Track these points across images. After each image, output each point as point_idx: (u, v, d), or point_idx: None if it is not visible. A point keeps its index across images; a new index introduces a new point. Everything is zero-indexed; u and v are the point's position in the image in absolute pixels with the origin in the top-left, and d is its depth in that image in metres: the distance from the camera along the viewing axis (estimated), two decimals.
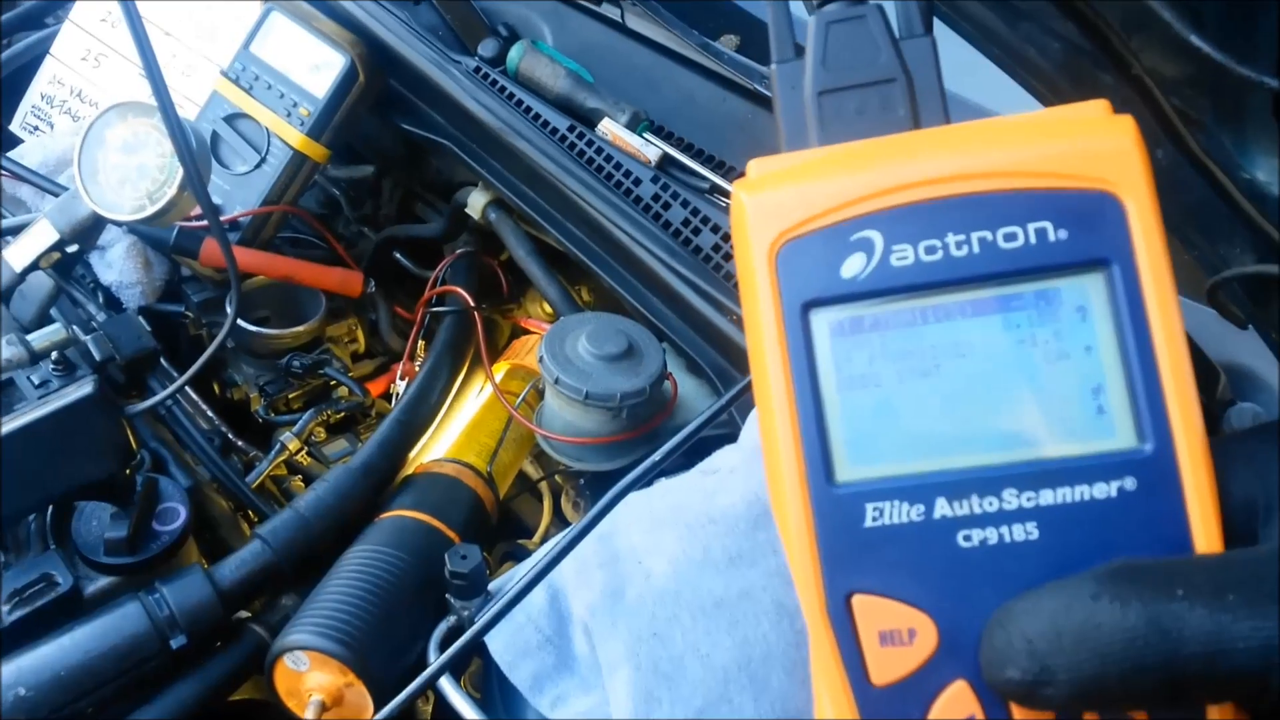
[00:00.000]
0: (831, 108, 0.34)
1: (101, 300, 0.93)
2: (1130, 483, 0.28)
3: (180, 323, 0.98)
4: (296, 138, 0.96)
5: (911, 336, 0.30)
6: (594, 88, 0.93)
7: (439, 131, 0.99)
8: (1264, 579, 0.24)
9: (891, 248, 0.30)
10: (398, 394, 0.96)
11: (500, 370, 0.97)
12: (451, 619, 0.64)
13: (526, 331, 1.05)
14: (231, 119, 0.98)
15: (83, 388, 0.66)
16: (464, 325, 0.98)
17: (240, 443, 0.90)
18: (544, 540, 0.89)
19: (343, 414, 0.97)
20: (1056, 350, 0.29)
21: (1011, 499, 0.29)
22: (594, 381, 0.77)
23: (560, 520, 0.92)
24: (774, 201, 0.31)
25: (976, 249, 0.29)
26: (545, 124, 0.91)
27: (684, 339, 0.82)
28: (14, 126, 1.16)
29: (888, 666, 0.29)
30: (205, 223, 0.90)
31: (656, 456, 0.52)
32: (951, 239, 0.29)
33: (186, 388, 0.87)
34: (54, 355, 0.77)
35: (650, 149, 0.86)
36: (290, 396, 0.97)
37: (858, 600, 0.29)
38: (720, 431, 0.72)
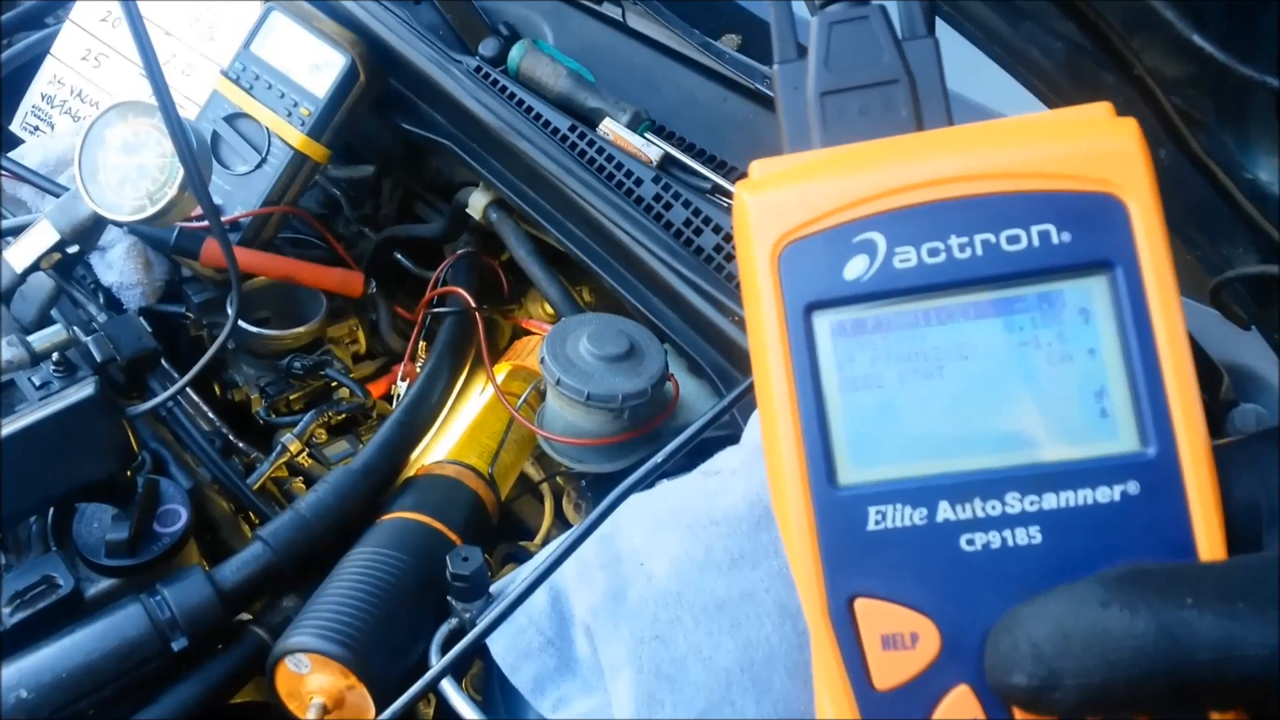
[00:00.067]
0: (834, 109, 0.34)
1: (102, 301, 0.93)
2: (1133, 486, 0.28)
3: (181, 323, 0.98)
4: (297, 138, 0.96)
5: (914, 339, 0.30)
6: (595, 87, 0.93)
7: (440, 131, 0.99)
8: (1271, 585, 0.24)
9: (894, 249, 0.30)
10: (399, 395, 0.96)
11: (501, 371, 0.97)
12: (453, 621, 0.64)
13: (527, 332, 1.05)
14: (232, 119, 0.98)
15: (84, 389, 0.66)
16: (465, 326, 0.98)
17: (241, 444, 0.90)
18: (545, 542, 0.89)
19: (344, 415, 0.97)
20: (1059, 353, 0.29)
21: (1014, 502, 0.28)
22: (595, 382, 0.77)
23: (562, 522, 0.92)
24: (777, 203, 0.31)
25: (979, 251, 0.29)
26: (546, 124, 0.91)
27: (685, 340, 0.82)
28: (14, 127, 1.16)
29: (890, 670, 0.29)
30: (206, 223, 0.90)
31: (658, 458, 0.52)
32: (954, 241, 0.29)
33: (187, 389, 0.87)
34: (55, 356, 0.77)
35: (651, 149, 0.86)
36: (291, 398, 0.97)
37: (860, 604, 0.29)
38: (722, 433, 0.71)
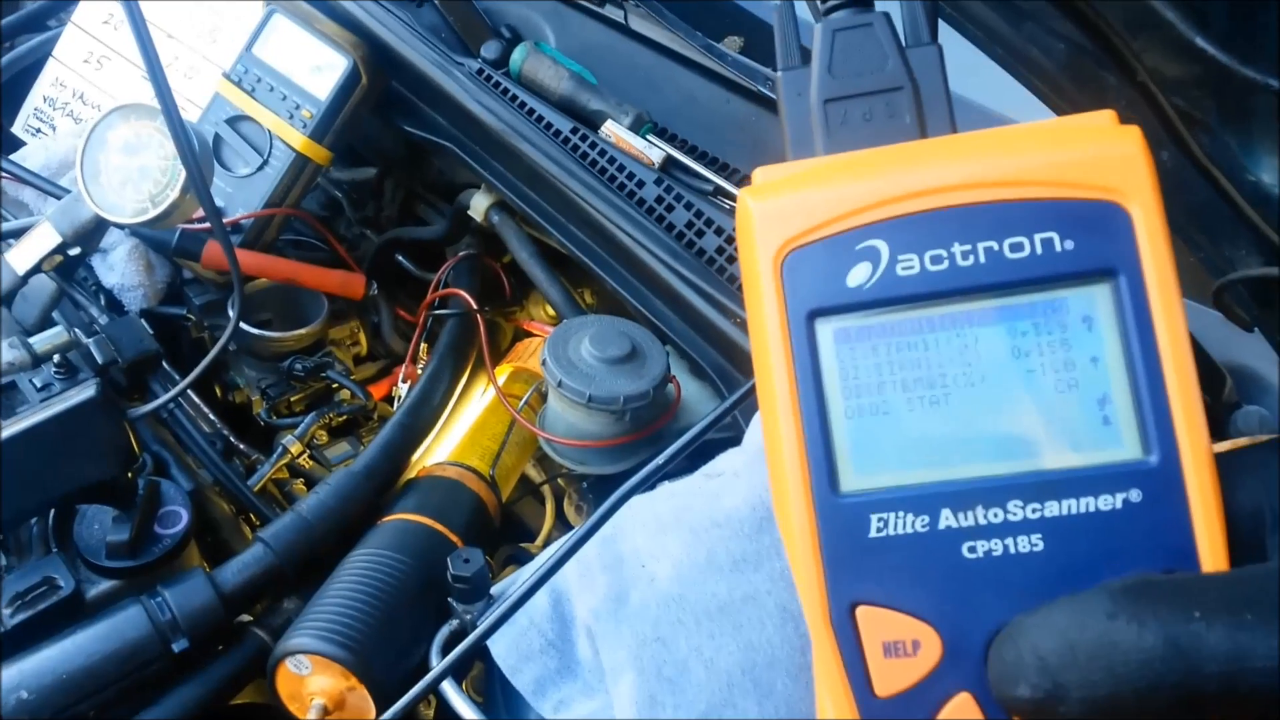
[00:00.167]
0: (837, 115, 0.34)
1: (103, 303, 0.93)
2: (1135, 494, 0.28)
3: (182, 325, 0.98)
4: (299, 140, 0.96)
5: (916, 346, 0.30)
6: (597, 89, 0.93)
7: (441, 133, 0.99)
8: (1277, 596, 0.24)
9: (897, 257, 0.29)
10: (400, 397, 0.96)
11: (503, 373, 0.97)
12: (454, 623, 0.64)
13: (529, 334, 1.05)
14: (234, 121, 0.98)
15: (85, 391, 0.66)
16: (466, 328, 0.98)
17: (242, 446, 0.90)
18: (547, 544, 0.89)
19: (345, 417, 0.97)
20: (1062, 360, 0.29)
21: (1016, 510, 0.28)
22: (597, 384, 0.77)
23: (563, 524, 0.92)
24: (780, 210, 0.31)
25: (982, 259, 0.29)
26: (548, 126, 0.91)
27: (687, 341, 0.82)
28: (16, 129, 1.16)
29: (892, 678, 0.29)
30: (207, 225, 0.90)
31: (660, 460, 0.52)
32: (957, 249, 0.29)
33: (189, 391, 0.87)
34: (56, 358, 0.77)
35: (653, 151, 0.86)
36: (292, 399, 0.97)
37: (862, 611, 0.29)
38: (724, 435, 0.71)
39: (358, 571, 0.69)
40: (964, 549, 0.29)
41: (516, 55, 0.95)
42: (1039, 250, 0.29)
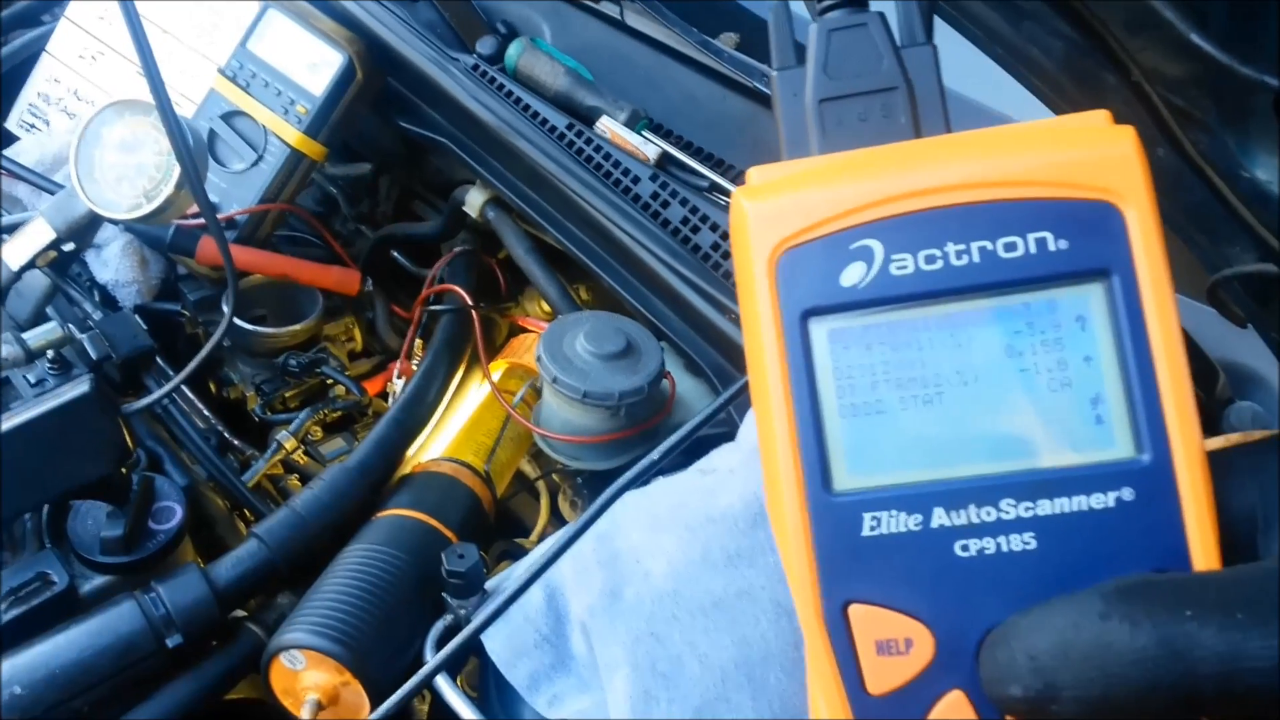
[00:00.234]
0: (833, 115, 0.34)
1: (98, 299, 0.93)
2: (1128, 493, 0.28)
3: (177, 321, 0.98)
4: (294, 136, 0.96)
5: (910, 346, 0.30)
6: (593, 86, 0.93)
7: (437, 129, 0.99)
8: (1272, 595, 0.24)
9: (891, 257, 0.30)
10: (395, 393, 0.96)
11: (498, 369, 0.97)
12: (448, 618, 0.64)
13: (524, 330, 1.05)
14: (229, 117, 0.98)
15: (79, 386, 0.66)
16: (462, 324, 0.98)
17: (237, 442, 0.90)
18: (542, 539, 0.89)
19: (340, 413, 0.97)
20: (1055, 360, 0.29)
21: (1009, 509, 0.28)
22: (592, 380, 0.77)
23: (558, 519, 0.92)
24: (774, 209, 0.31)
25: (976, 258, 0.29)
26: (544, 122, 0.91)
27: (682, 338, 0.82)
28: (10, 124, 1.16)
29: (884, 676, 0.29)
30: (202, 221, 0.90)
31: (654, 455, 0.52)
32: (951, 248, 0.29)
33: (183, 386, 0.87)
34: (50, 354, 0.77)
35: (649, 147, 0.86)
36: (287, 395, 0.97)
37: (854, 609, 0.29)
38: (719, 430, 0.72)
39: (352, 567, 0.69)
40: (956, 548, 0.29)
41: (512, 51, 0.95)
42: (1033, 250, 0.29)
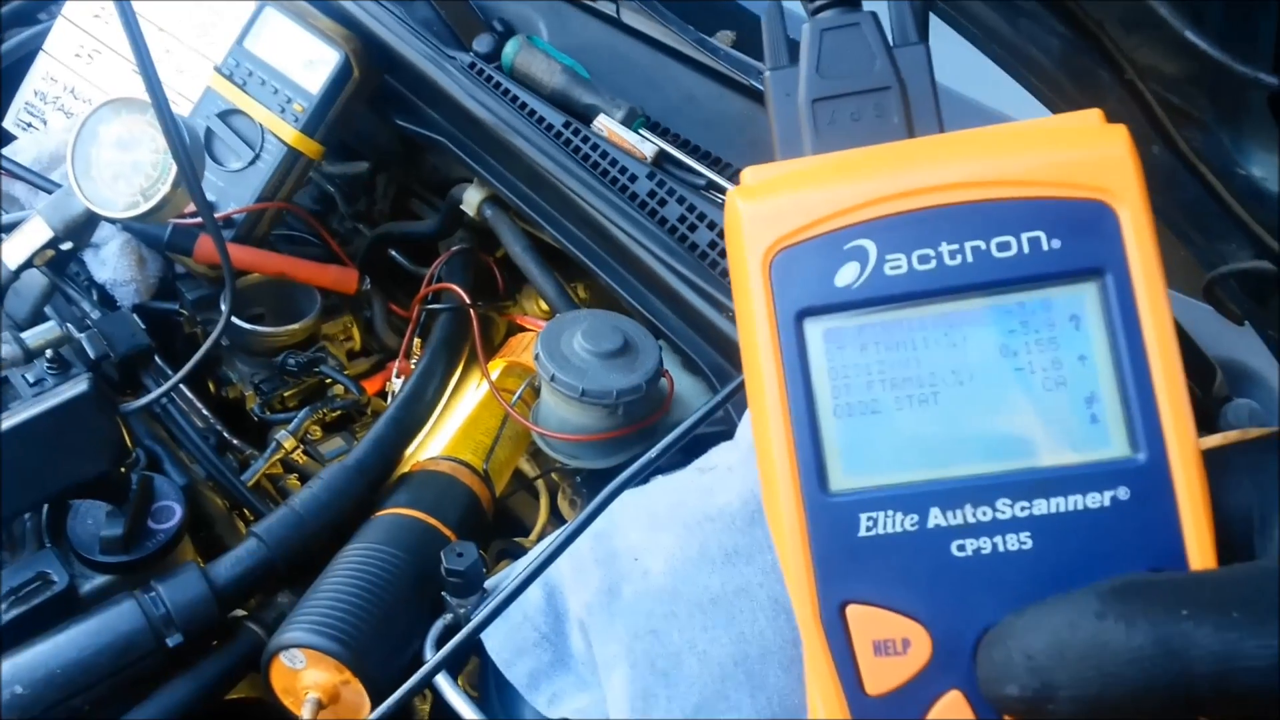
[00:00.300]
0: (826, 115, 0.34)
1: (96, 298, 0.93)
2: (1123, 492, 0.28)
3: (175, 320, 0.98)
4: (291, 134, 0.96)
5: (905, 345, 0.30)
6: (590, 84, 0.92)
7: (434, 128, 0.99)
8: (1269, 594, 0.24)
9: (885, 257, 0.30)
10: (393, 392, 0.96)
11: (496, 367, 0.97)
12: (448, 616, 0.64)
13: (522, 329, 1.05)
14: (226, 115, 0.98)
15: (78, 385, 0.66)
16: (460, 322, 0.98)
17: (236, 441, 0.90)
18: (541, 538, 0.90)
19: (338, 412, 0.97)
20: (1050, 359, 0.29)
21: (1005, 508, 0.29)
22: (590, 379, 0.77)
23: (557, 518, 0.92)
24: (768, 210, 0.31)
25: (970, 258, 0.29)
26: (541, 120, 0.91)
27: (680, 336, 0.82)
28: (7, 123, 1.16)
29: (882, 676, 0.29)
30: (199, 220, 0.90)
31: (652, 453, 0.52)
32: (945, 248, 0.29)
33: (182, 386, 0.87)
34: (49, 353, 0.77)
35: (646, 145, 0.86)
36: (286, 395, 0.97)
37: (852, 610, 0.29)
38: (716, 429, 0.72)
39: (352, 566, 0.69)
40: (953, 547, 0.29)
41: (509, 49, 0.95)
42: (1026, 249, 0.29)
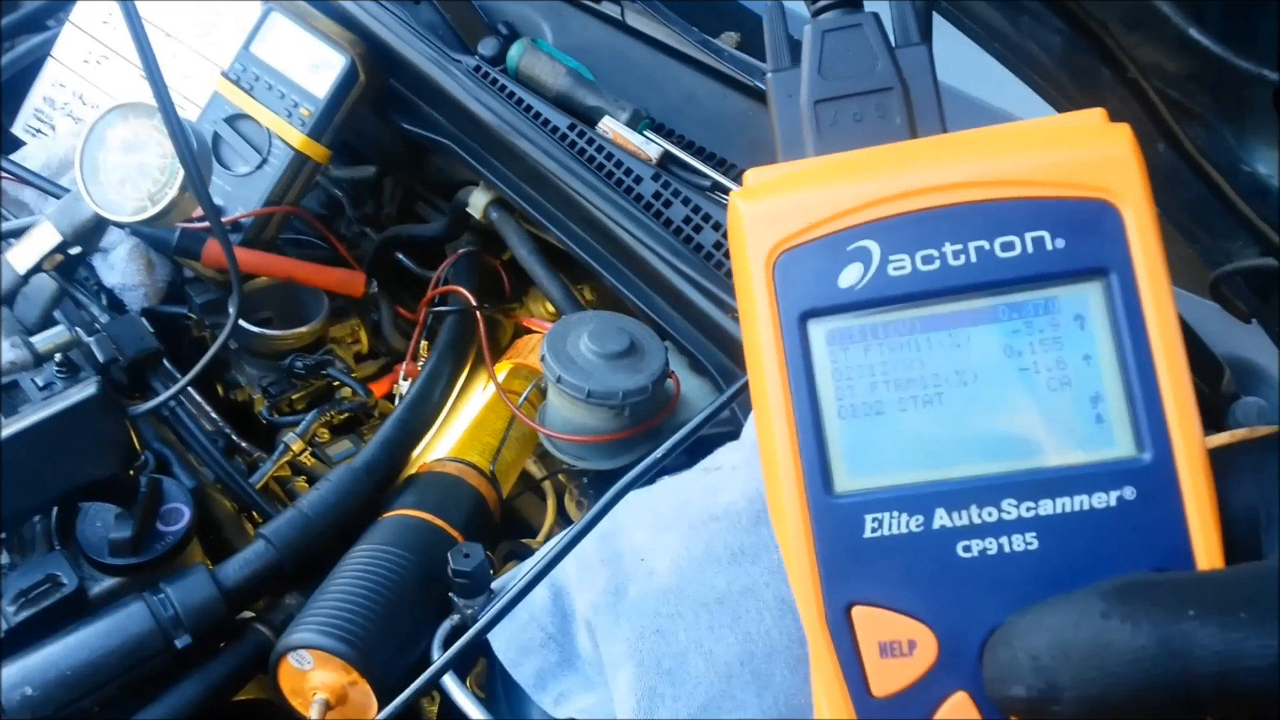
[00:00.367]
0: (828, 116, 0.34)
1: (104, 302, 0.93)
2: (1129, 492, 0.28)
3: (183, 324, 0.98)
4: (298, 138, 0.96)
5: (909, 346, 0.30)
6: (594, 86, 0.93)
7: (440, 131, 0.99)
8: (1272, 594, 0.24)
9: (889, 257, 0.30)
10: (401, 394, 0.96)
11: (502, 369, 0.97)
12: (455, 618, 0.64)
13: (529, 331, 1.05)
14: (232, 120, 0.98)
15: (86, 389, 0.66)
16: (466, 325, 0.98)
17: (244, 444, 0.90)
18: (548, 539, 0.90)
19: (346, 415, 0.97)
20: (1055, 359, 0.29)
21: (1010, 509, 0.28)
22: (596, 380, 0.77)
23: (564, 519, 0.92)
24: (771, 211, 0.31)
25: (974, 258, 0.29)
26: (546, 122, 0.91)
27: (686, 337, 0.82)
28: (16, 129, 1.16)
29: (888, 678, 0.29)
30: (207, 224, 0.90)
31: (657, 454, 0.53)
32: (949, 248, 0.29)
33: (190, 389, 0.87)
34: (58, 357, 0.78)
35: (651, 147, 0.86)
36: (293, 397, 0.97)
37: (857, 611, 0.29)
38: (722, 429, 0.72)
39: (359, 567, 0.70)
40: (959, 548, 0.29)
41: (514, 52, 0.95)
42: (1030, 249, 0.29)
